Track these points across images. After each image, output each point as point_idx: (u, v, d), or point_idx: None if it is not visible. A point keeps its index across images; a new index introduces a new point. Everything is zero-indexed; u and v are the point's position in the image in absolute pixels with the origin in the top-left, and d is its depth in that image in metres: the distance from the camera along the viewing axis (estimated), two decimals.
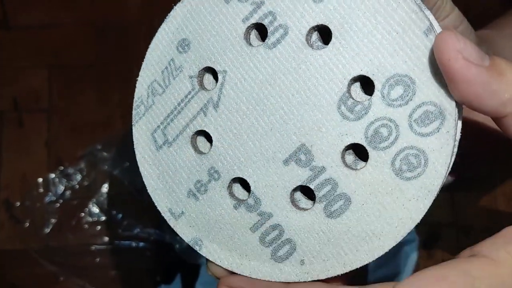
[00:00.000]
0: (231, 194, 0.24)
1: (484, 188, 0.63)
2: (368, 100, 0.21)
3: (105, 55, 0.71)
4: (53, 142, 0.67)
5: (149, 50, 0.26)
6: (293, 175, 0.23)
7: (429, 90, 0.21)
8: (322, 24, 0.22)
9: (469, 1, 0.70)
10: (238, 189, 0.24)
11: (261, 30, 0.24)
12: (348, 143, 0.22)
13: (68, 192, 0.65)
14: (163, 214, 0.25)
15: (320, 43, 0.23)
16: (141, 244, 0.63)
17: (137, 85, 0.25)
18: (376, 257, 0.21)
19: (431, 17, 0.21)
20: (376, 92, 0.21)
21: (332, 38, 0.22)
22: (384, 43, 0.21)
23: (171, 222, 0.25)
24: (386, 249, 0.21)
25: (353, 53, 0.22)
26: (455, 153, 0.21)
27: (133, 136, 0.25)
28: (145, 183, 0.25)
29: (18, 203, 0.64)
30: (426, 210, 0.21)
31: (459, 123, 0.21)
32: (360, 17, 0.21)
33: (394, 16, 0.21)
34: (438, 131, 0.20)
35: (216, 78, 0.24)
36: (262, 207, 0.23)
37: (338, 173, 0.22)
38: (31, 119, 0.68)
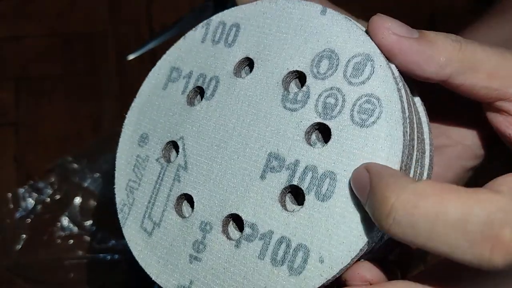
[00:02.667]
0: (229, 237, 0.24)
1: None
2: (306, 85, 0.23)
3: (73, 66, 0.70)
4: (21, 156, 0.65)
5: (116, 160, 0.29)
6: (274, 182, 0.23)
7: (348, 49, 0.23)
8: (245, 57, 0.26)
9: (436, 4, 0.71)
10: (232, 229, 0.24)
11: (199, 91, 0.27)
12: (306, 127, 0.23)
13: (39, 207, 0.64)
14: None
15: (246, 70, 0.26)
16: (117, 256, 0.62)
17: (115, 192, 0.28)
18: None
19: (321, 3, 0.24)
20: (308, 76, 0.23)
21: (254, 63, 0.25)
22: (295, 40, 0.24)
23: None
24: None
25: (274, 61, 0.25)
26: (400, 80, 0.23)
27: (125, 237, 0.27)
28: (148, 272, 0.26)
29: None
30: (402, 136, 0.21)
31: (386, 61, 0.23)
32: (269, 36, 0.25)
33: (292, 17, 0.24)
34: (374, 71, 0.22)
35: (176, 149, 0.27)
36: (260, 228, 0.23)
37: (311, 158, 0.23)
38: None
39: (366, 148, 0.22)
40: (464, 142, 0.29)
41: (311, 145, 0.23)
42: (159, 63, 0.29)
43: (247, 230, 0.23)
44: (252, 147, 0.24)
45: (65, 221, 0.63)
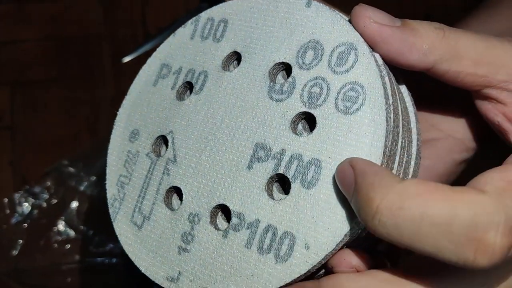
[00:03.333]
0: (217, 228, 0.24)
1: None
2: (291, 76, 0.24)
3: (68, 70, 0.70)
4: (17, 160, 0.65)
5: (108, 156, 0.28)
6: (261, 172, 0.23)
7: (333, 39, 0.23)
8: (233, 51, 0.26)
9: (431, 4, 0.71)
10: (220, 220, 0.25)
11: (189, 86, 0.28)
12: (292, 117, 0.23)
13: (35, 211, 0.63)
14: (163, 286, 0.25)
15: (234, 64, 0.27)
16: (114, 259, 0.62)
17: (106, 188, 0.28)
18: None
19: None
20: (294, 67, 0.24)
21: (242, 57, 0.26)
22: (281, 33, 0.25)
23: None
24: None
25: (261, 54, 0.25)
26: (384, 68, 0.23)
27: (115, 231, 0.27)
28: (137, 265, 0.26)
29: None
30: (385, 122, 0.22)
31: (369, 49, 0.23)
32: (256, 30, 0.26)
33: (278, 11, 0.25)
34: (357, 60, 0.23)
35: (166, 143, 0.27)
36: (247, 218, 0.23)
37: (297, 146, 0.23)
38: None
39: (350, 134, 0.22)
40: (455, 135, 0.29)
41: (297, 134, 0.23)
42: (149, 60, 0.29)
43: (234, 220, 0.24)
44: (239, 138, 0.24)
45: (61, 225, 0.63)
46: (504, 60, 0.23)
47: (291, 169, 0.23)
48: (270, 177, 0.23)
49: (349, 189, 0.20)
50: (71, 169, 0.64)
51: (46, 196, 0.64)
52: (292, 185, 0.22)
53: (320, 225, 0.21)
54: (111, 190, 0.28)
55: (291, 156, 0.23)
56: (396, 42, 0.22)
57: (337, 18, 0.23)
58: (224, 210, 0.25)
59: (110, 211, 0.27)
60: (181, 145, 0.26)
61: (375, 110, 0.22)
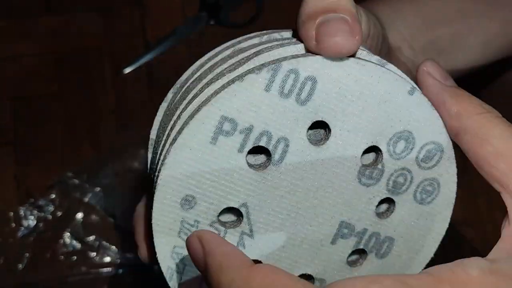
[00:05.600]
0: None
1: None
2: (381, 163, 0.24)
3: (69, 82, 0.70)
4: (22, 174, 0.65)
5: (153, 223, 0.24)
6: (343, 247, 0.25)
7: (426, 136, 0.24)
8: (318, 120, 0.23)
9: None
10: None
11: (264, 153, 0.24)
12: (377, 202, 0.25)
13: (41, 224, 0.63)
14: None
15: (321, 135, 0.24)
16: (120, 270, 0.62)
17: (158, 258, 0.24)
18: (424, 265, 0.27)
19: (410, 81, 0.24)
20: (384, 154, 0.24)
21: (332, 130, 0.23)
22: (377, 114, 0.23)
23: None
24: (431, 255, 0.27)
25: (354, 134, 0.23)
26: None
27: None
28: None
29: None
30: (450, 215, 0.25)
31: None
32: (351, 102, 0.23)
33: (379, 88, 0.23)
34: (440, 161, 0.24)
35: (237, 214, 0.24)
36: (328, 283, 0.25)
37: (377, 227, 0.25)
38: None
39: (421, 221, 0.25)
40: None
41: (379, 217, 0.25)
42: (205, 110, 0.22)
43: (316, 283, 0.26)
44: (324, 216, 0.25)
45: (67, 237, 0.63)
46: None
47: (370, 244, 0.26)
48: (351, 251, 0.26)
49: (200, 264, 0.20)
50: (75, 181, 0.65)
51: (51, 208, 0.64)
52: (368, 256, 0.26)
53: None
54: (165, 262, 0.24)
55: (371, 235, 0.25)
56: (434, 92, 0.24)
57: (434, 116, 0.24)
58: (303, 276, 0.26)
59: (170, 284, 0.25)
60: (259, 220, 0.24)
61: (444, 206, 0.25)
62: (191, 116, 0.23)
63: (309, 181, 0.24)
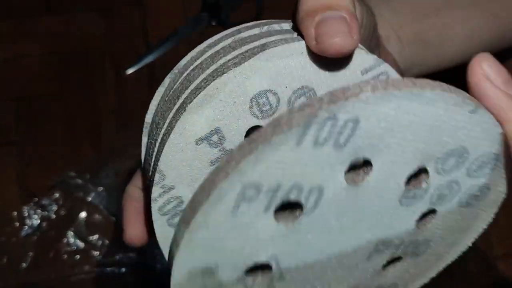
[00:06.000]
0: None
1: None
2: (425, 181, 0.21)
3: (70, 83, 0.70)
4: (24, 174, 0.66)
5: None
6: (378, 261, 0.24)
7: (481, 148, 0.21)
8: (355, 159, 0.20)
9: None
10: None
11: (292, 206, 0.21)
12: (417, 217, 0.23)
13: (44, 224, 0.64)
14: None
15: (361, 176, 0.21)
16: (123, 269, 0.63)
17: None
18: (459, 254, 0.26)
19: (471, 99, 0.20)
20: (431, 172, 0.21)
21: (373, 165, 0.20)
22: (427, 138, 0.20)
23: None
24: (468, 246, 0.25)
25: (398, 163, 0.20)
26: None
27: None
28: None
29: None
30: (495, 212, 0.24)
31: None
32: (395, 134, 0.20)
33: (433, 113, 0.20)
34: (493, 169, 0.22)
35: (265, 267, 0.22)
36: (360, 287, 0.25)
37: (416, 235, 0.24)
38: (0, 153, 0.67)
39: (464, 221, 0.24)
40: None
41: (418, 227, 0.23)
42: (224, 185, 0.19)
43: None
44: (359, 240, 0.23)
45: (71, 236, 0.63)
46: None
47: (406, 251, 0.25)
48: (387, 261, 0.25)
49: None
50: (78, 181, 0.65)
51: (54, 207, 0.64)
52: (403, 258, 0.25)
53: (421, 279, 0.26)
54: None
55: (408, 245, 0.24)
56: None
57: (496, 131, 0.21)
58: None
59: None
60: (290, 264, 0.22)
61: (490, 205, 0.24)
62: (205, 194, 0.19)
63: (345, 218, 0.21)
